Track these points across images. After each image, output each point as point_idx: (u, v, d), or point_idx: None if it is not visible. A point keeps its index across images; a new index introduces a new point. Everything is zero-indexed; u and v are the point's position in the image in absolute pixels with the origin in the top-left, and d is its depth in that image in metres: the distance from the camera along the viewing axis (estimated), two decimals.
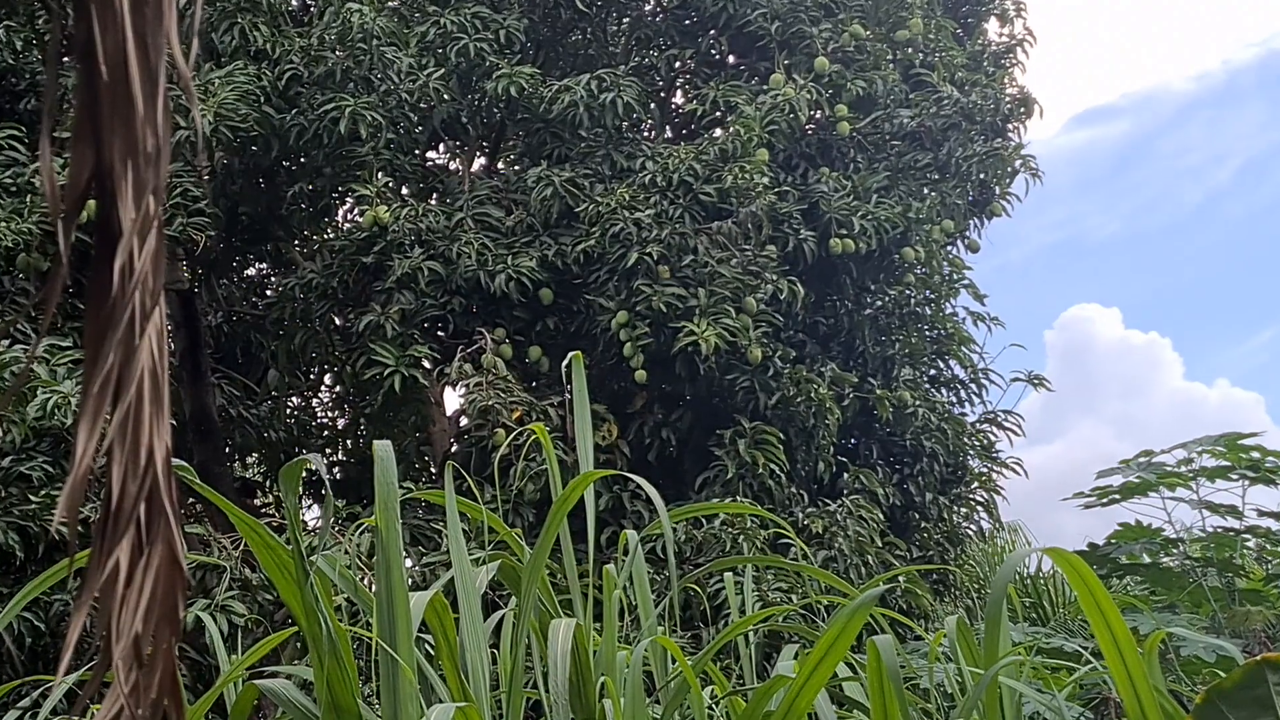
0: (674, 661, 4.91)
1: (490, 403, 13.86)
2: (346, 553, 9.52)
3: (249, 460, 20.33)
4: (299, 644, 9.74)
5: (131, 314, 1.75)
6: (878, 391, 16.59)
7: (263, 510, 17.50)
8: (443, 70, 15.84)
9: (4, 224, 13.51)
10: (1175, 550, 11.97)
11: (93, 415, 1.73)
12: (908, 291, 17.88)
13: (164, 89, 1.85)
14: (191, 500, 16.39)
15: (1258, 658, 2.18)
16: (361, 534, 10.71)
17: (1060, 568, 3.31)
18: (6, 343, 12.28)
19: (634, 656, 4.42)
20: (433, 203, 16.30)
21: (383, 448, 3.78)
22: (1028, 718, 5.85)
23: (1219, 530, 11.80)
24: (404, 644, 3.60)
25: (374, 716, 3.55)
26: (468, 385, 14.25)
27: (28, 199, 13.92)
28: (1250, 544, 12.01)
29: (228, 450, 17.75)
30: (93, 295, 1.74)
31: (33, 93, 15.78)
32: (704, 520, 13.72)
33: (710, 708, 5.47)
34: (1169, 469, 11.80)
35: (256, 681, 3.88)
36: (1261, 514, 11.86)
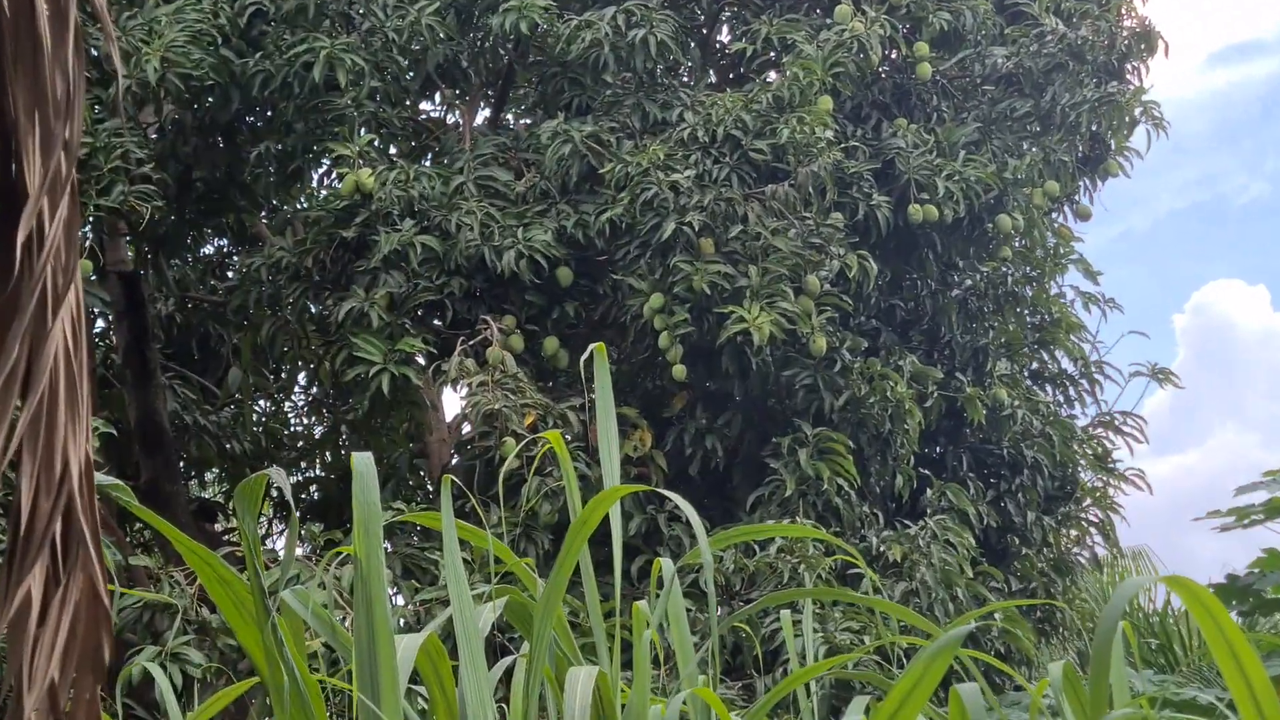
0: (719, 718, 4.91)
1: (497, 406, 13.87)
2: (323, 587, 9.54)
3: (207, 477, 20.42)
4: (268, 698, 9.77)
5: (42, 295, 1.73)
6: (968, 389, 16.56)
7: (225, 537, 17.59)
8: (437, 4, 15.83)
9: None
10: None
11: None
12: (1004, 268, 17.86)
13: (77, 25, 1.85)
14: (140, 526, 16.49)
15: None
16: (341, 565, 10.73)
17: (1182, 600, 3.30)
18: None
19: (670, 712, 4.42)
20: (427, 164, 16.31)
21: (363, 460, 3.78)
22: None
23: None
24: (389, 697, 3.60)
25: None
26: (470, 385, 14.25)
27: None
28: None
29: (182, 465, 17.82)
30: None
31: None
32: (757, 546, 13.72)
33: None
34: None
35: None
36: None
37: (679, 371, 14.56)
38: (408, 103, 16.90)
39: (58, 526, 1.77)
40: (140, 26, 14.57)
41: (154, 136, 15.50)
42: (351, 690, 3.70)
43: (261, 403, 19.86)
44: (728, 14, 18.08)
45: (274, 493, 18.25)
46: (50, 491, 1.77)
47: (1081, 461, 17.87)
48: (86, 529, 1.82)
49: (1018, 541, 17.05)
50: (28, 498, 1.76)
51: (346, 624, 7.21)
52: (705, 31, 18.08)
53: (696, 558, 5.14)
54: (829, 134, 15.32)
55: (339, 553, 8.72)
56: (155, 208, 14.56)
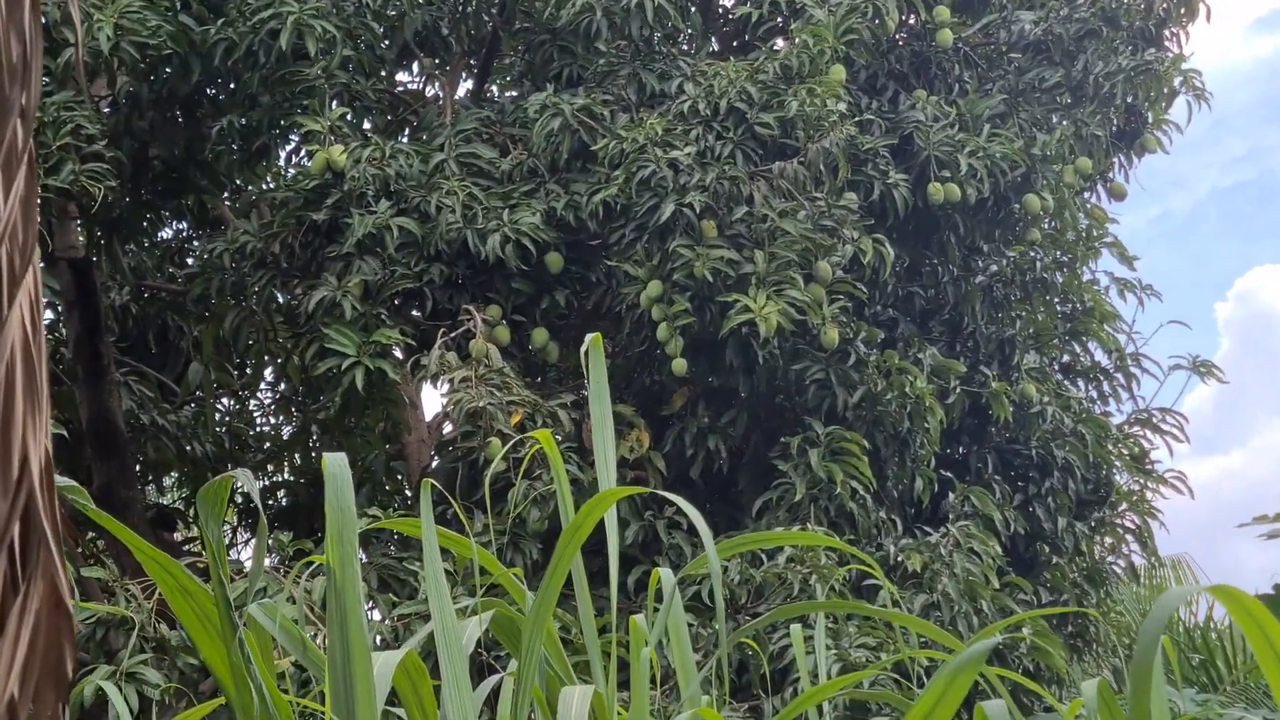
0: None
1: (481, 404, 13.88)
2: (292, 601, 9.54)
3: (166, 482, 20.42)
4: None
5: None
6: (993, 384, 16.58)
7: (186, 547, 17.60)
8: None
9: None
10: None
11: None
12: (1032, 253, 17.86)
13: None
14: (93, 535, 16.50)
15: None
16: (313, 576, 10.74)
17: (1229, 610, 3.30)
18: None
19: None
20: (404, 141, 16.31)
21: (335, 462, 3.78)
22: None
23: None
24: (366, 716, 3.61)
25: None
26: (452, 381, 14.26)
27: None
28: None
29: (139, 468, 17.82)
30: None
31: None
32: (764, 556, 13.73)
33: None
34: None
35: None
36: None
37: (679, 366, 14.55)
38: (383, 73, 16.90)
39: (16, 528, 1.77)
40: None
41: (107, 111, 15.49)
42: (324, 712, 3.70)
43: (225, 401, 19.87)
44: None
45: (239, 498, 18.30)
46: (8, 491, 1.77)
47: (1117, 463, 17.89)
48: (48, 530, 1.82)
49: (1048, 550, 17.07)
50: None
51: (319, 641, 7.23)
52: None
53: (698, 568, 5.14)
54: (842, 107, 15.32)
55: (310, 563, 8.73)
56: (108, 188, 14.53)
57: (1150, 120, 18.07)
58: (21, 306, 1.80)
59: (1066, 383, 18.33)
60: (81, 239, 16.66)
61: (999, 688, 4.34)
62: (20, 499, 1.78)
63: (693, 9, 17.12)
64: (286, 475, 19.30)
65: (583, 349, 5.25)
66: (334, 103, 15.58)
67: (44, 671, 1.82)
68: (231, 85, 15.87)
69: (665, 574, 5.21)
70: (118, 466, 16.24)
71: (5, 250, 1.75)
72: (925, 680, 4.43)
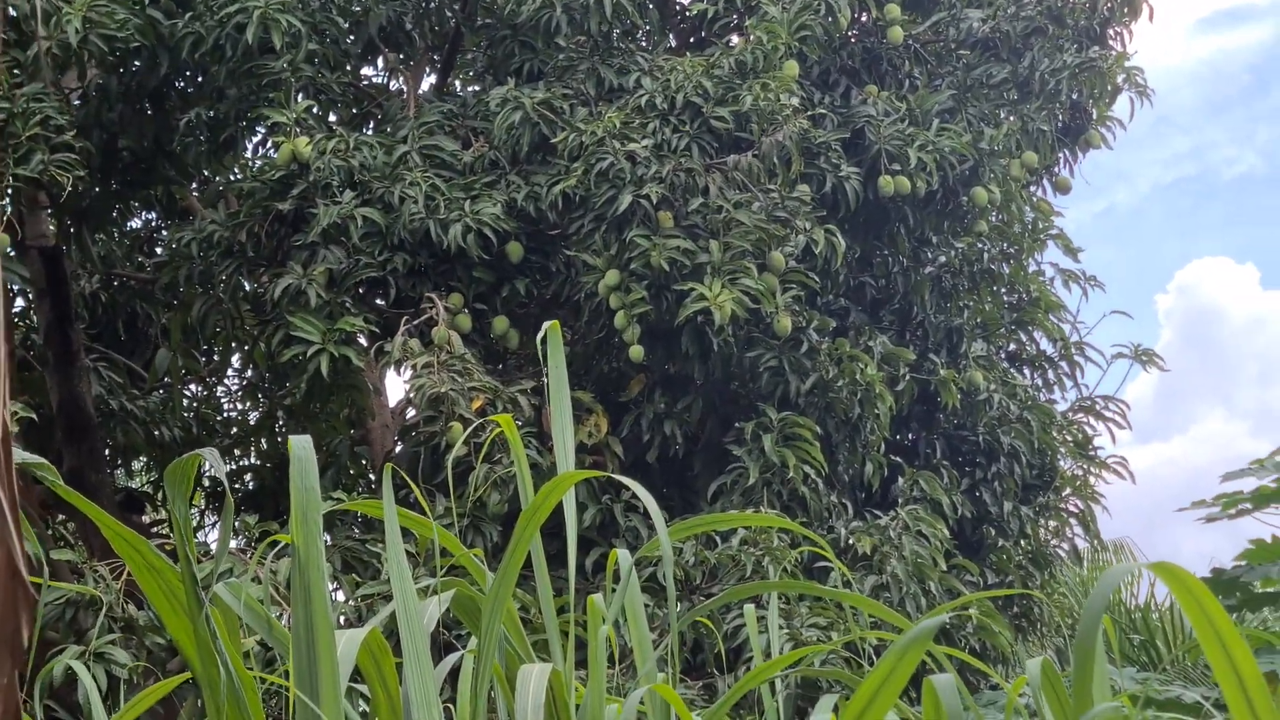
0: (679, 718, 4.91)
1: (444, 389, 13.85)
2: (258, 581, 9.51)
3: (135, 466, 20.35)
4: (200, 698, 9.74)
5: None
6: (942, 372, 16.61)
7: (154, 529, 17.54)
8: None
9: None
10: None
11: None
12: (979, 244, 17.90)
13: None
14: (61, 517, 16.43)
15: None
16: (278, 557, 10.71)
17: (1170, 588, 3.31)
18: None
19: (626, 711, 4.43)
20: (368, 133, 16.26)
21: (300, 444, 3.77)
22: None
23: None
24: (329, 695, 3.60)
25: None
26: (414, 367, 14.22)
27: None
28: None
29: (108, 453, 17.75)
30: None
31: None
32: (718, 538, 13.74)
33: None
34: None
35: None
36: None
37: (636, 353, 14.54)
38: (348, 67, 16.83)
39: None
40: None
41: (76, 102, 15.42)
42: (289, 688, 3.69)
43: (192, 387, 19.80)
44: None
45: (206, 482, 18.25)
46: None
47: (1061, 449, 17.95)
48: (4, 501, 1.80)
49: (994, 533, 17.11)
50: None
51: (284, 620, 7.20)
52: None
53: (655, 549, 5.14)
54: (795, 101, 15.33)
55: (275, 543, 8.69)
56: (78, 178, 14.48)
57: (1094, 116, 18.10)
58: None
59: (1013, 370, 18.38)
60: (52, 228, 16.55)
61: (946, 665, 4.35)
62: None
63: (650, 5, 17.12)
64: (253, 460, 19.23)
65: (539, 336, 5.25)
66: (300, 96, 15.52)
67: (0, 640, 1.80)
68: (199, 78, 15.82)
69: (622, 555, 5.21)
70: (87, 450, 16.17)
71: None
72: (875, 659, 4.44)
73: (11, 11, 14.31)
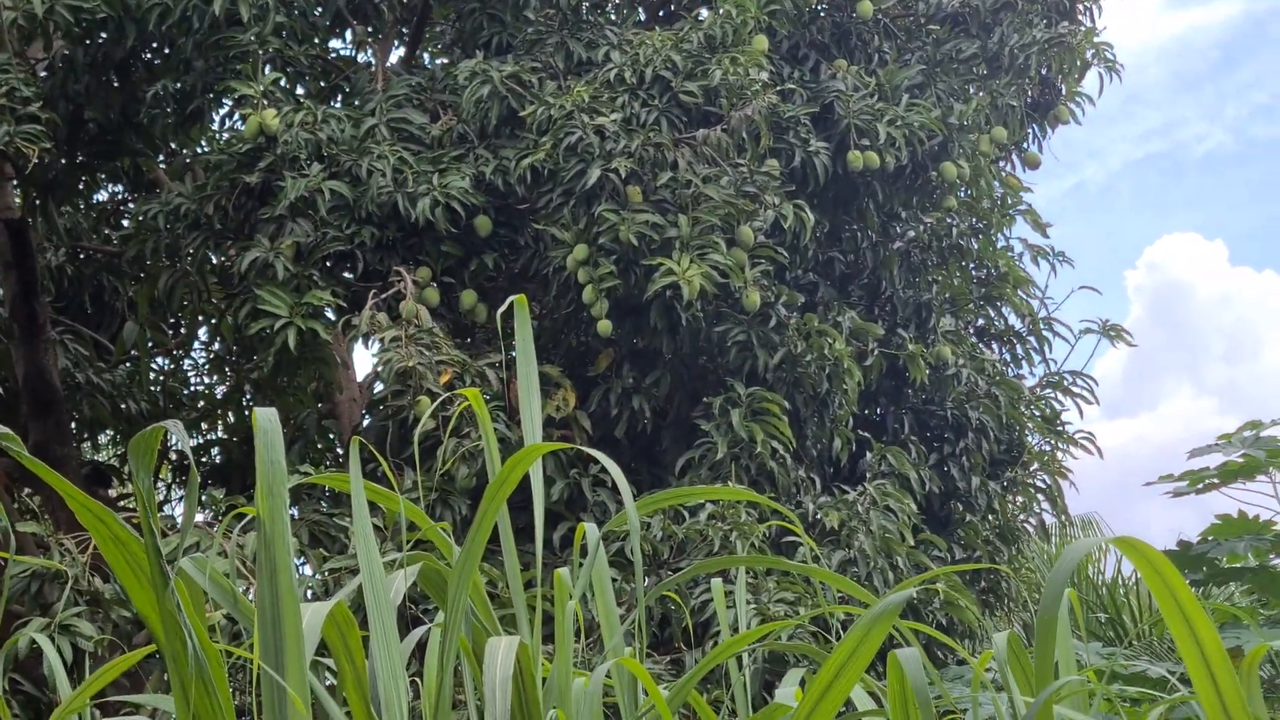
0: (645, 691, 4.92)
1: (411, 363, 13.84)
2: (223, 554, 9.51)
3: (101, 439, 20.31)
4: (163, 674, 9.73)
5: None
6: (910, 347, 16.63)
7: (120, 503, 17.50)
8: None
9: None
10: None
11: None
12: (948, 219, 17.91)
13: None
14: (27, 490, 16.39)
15: None
16: (244, 531, 10.70)
17: (1133, 562, 3.32)
18: None
19: (593, 684, 4.43)
20: (336, 106, 16.23)
21: (266, 416, 3.77)
22: None
23: None
24: (294, 668, 3.60)
25: None
26: (382, 341, 14.21)
27: None
28: None
29: (74, 426, 17.71)
30: None
31: None
32: (686, 512, 13.75)
33: None
34: None
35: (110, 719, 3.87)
36: None
37: (604, 327, 14.54)
38: (316, 40, 16.78)
39: None
40: None
41: (42, 74, 15.36)
42: (254, 662, 3.69)
43: (159, 360, 19.74)
44: None
45: (173, 456, 18.20)
46: None
47: (1029, 424, 17.98)
48: None
49: (961, 508, 17.15)
50: None
51: (249, 594, 7.19)
52: None
53: (622, 523, 5.14)
54: (764, 76, 15.33)
55: (241, 515, 8.67)
56: (44, 150, 14.43)
57: (1064, 92, 18.12)
58: None
59: (981, 346, 18.40)
60: (17, 200, 16.50)
61: (912, 640, 4.36)
62: None
63: None
64: (220, 434, 19.20)
65: (499, 311, 5.24)
66: (267, 68, 15.45)
67: None
68: (166, 50, 15.75)
69: (590, 529, 5.21)
70: (53, 424, 16.12)
71: None
72: (842, 634, 4.45)
73: None
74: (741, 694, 5.98)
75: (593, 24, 16.09)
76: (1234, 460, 11.99)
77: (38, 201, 16.96)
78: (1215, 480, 12.12)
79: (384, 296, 14.45)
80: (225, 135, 17.16)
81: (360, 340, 14.61)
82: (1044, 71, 17.69)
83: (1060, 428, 18.56)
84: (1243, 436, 12.17)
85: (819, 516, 14.56)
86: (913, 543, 14.91)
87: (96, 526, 3.26)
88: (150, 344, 18.57)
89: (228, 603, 4.36)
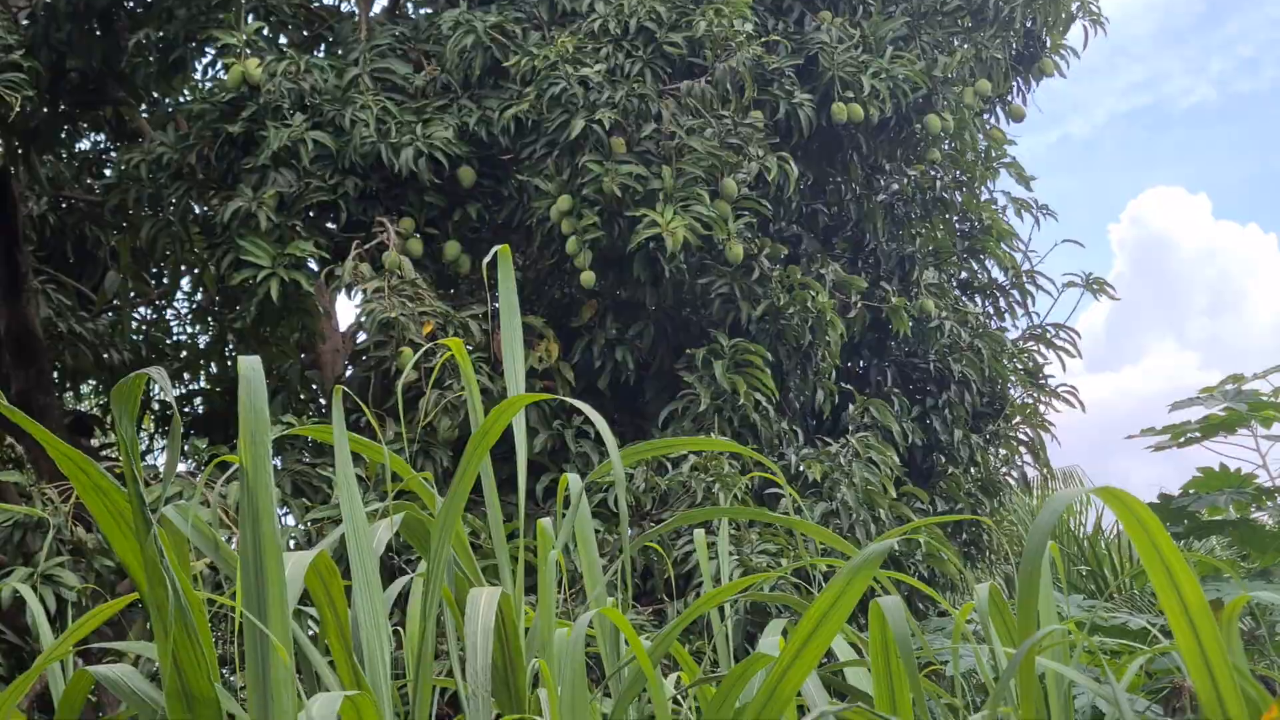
0: (627, 642, 4.93)
1: (394, 314, 13.82)
2: (206, 504, 9.51)
3: (83, 389, 20.29)
4: (146, 622, 9.72)
5: None
6: (893, 300, 16.64)
7: (103, 453, 17.50)
8: None
9: None
10: (1270, 503, 12.07)
11: None
12: (932, 172, 17.90)
13: None
14: (9, 440, 16.38)
15: None
16: (227, 481, 10.70)
17: (1115, 512, 3.33)
18: None
19: (575, 635, 4.44)
20: (319, 55, 16.18)
21: (249, 365, 3.76)
22: (1081, 712, 5.91)
23: None
24: (277, 616, 3.60)
25: (239, 709, 3.55)
26: (365, 291, 14.20)
27: None
28: None
29: (56, 376, 17.69)
30: None
31: None
32: (669, 463, 13.76)
33: (676, 699, 5.50)
34: (1266, 399, 11.88)
35: (91, 668, 3.87)
36: None
37: (588, 278, 14.53)
38: None
39: None
40: None
41: (24, 22, 15.29)
42: (237, 610, 3.69)
43: (141, 309, 19.72)
44: None
45: (155, 405, 18.18)
46: None
47: (1011, 377, 18.00)
48: None
49: (944, 460, 17.17)
50: None
51: (232, 543, 7.20)
52: None
53: (606, 474, 5.15)
54: (748, 27, 15.31)
55: (225, 464, 8.65)
56: (25, 99, 14.39)
57: (1048, 45, 18.11)
58: None
59: (964, 299, 18.41)
60: None
61: (893, 591, 4.37)
62: None
63: None
64: (202, 384, 19.18)
65: (483, 261, 5.24)
66: (250, 17, 15.43)
67: None
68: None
69: (573, 480, 5.22)
70: (35, 374, 16.11)
71: None
72: (824, 585, 4.46)
73: None
74: (724, 644, 6.00)
75: None
76: (1215, 414, 12.01)
77: (19, 150, 16.89)
78: (1197, 434, 12.14)
79: (367, 247, 14.44)
80: (208, 84, 17.10)
81: (343, 291, 14.59)
82: (1029, 24, 17.68)
83: (1042, 381, 18.58)
84: (1224, 390, 12.18)
85: (801, 468, 14.58)
86: (895, 495, 14.93)
87: (78, 475, 3.26)
88: (132, 294, 18.54)
89: (210, 551, 4.36)
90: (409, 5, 17.77)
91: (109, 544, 3.79)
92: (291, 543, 11.87)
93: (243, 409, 3.68)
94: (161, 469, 15.08)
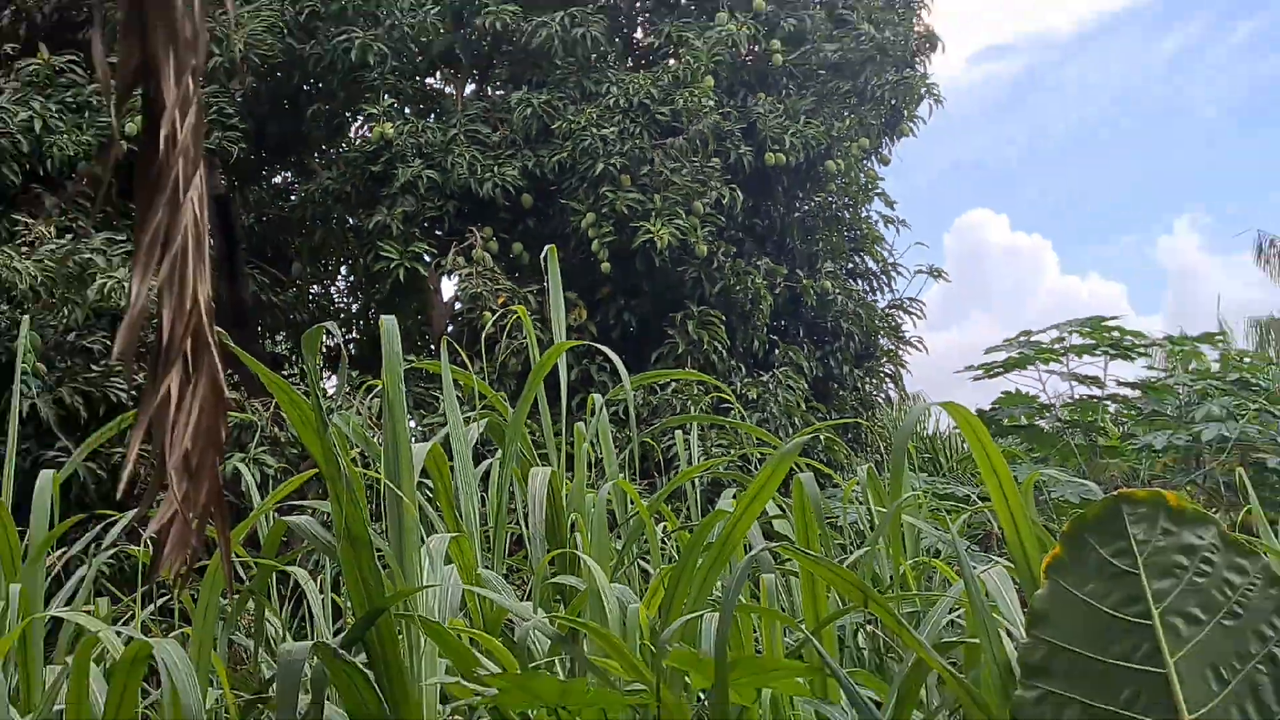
0: (632, 503, 4.94)
1: (479, 290, 13.83)
2: (359, 413, 9.51)
3: (278, 339, 20.25)
4: (321, 489, 9.79)
5: (175, 178, 1.71)
6: (804, 282, 16.60)
7: (289, 380, 17.46)
8: (439, 7, 15.63)
9: (66, 136, 13.32)
10: (1048, 414, 12.10)
11: (144, 265, 1.69)
12: (830, 198, 17.83)
13: None
14: (229, 371, 16.36)
15: (1115, 493, 2.20)
16: (372, 399, 10.70)
17: (954, 418, 3.33)
18: (70, 237, 12.17)
19: (599, 498, 4.46)
20: (430, 121, 16.13)
21: (389, 321, 3.76)
22: (925, 550, 5.93)
23: (1084, 398, 11.93)
24: (407, 484, 3.61)
25: (383, 544, 3.56)
26: (460, 275, 14.19)
27: (85, 114, 13.71)
28: (1110, 409, 12.15)
29: (260, 329, 17.66)
30: (142, 161, 1.70)
31: (89, 24, 15.48)
32: (658, 388, 13.77)
33: (662, 540, 5.52)
34: (1044, 346, 11.90)
35: (285, 518, 3.89)
36: (1120, 384, 12.00)
37: (605, 267, 14.54)
38: (417, 78, 16.64)
39: (188, 342, 1.75)
40: (225, 18, 14.31)
41: (240, 99, 15.26)
42: (379, 477, 3.70)
43: (315, 287, 19.66)
44: (641, 18, 17.90)
45: (325, 348, 18.14)
46: (183, 318, 1.75)
47: (881, 332, 17.95)
48: (210, 343, 1.80)
49: (836, 386, 17.15)
50: (167, 322, 1.73)
51: (376, 438, 7.21)
52: (626, 30, 17.86)
53: (619, 395, 5.15)
54: (710, 103, 15.27)
55: (371, 387, 8.62)
56: (240, 149, 14.39)
57: (905, 115, 18.02)
58: (192, 199, 1.77)
59: (850, 281, 18.34)
60: (223, 182, 16.40)
61: (804, 470, 4.38)
62: (190, 323, 1.75)
63: (616, 39, 16.95)
64: (355, 335, 19.15)
65: (542, 256, 5.24)
66: (385, 96, 15.39)
67: (208, 436, 1.80)
68: (319, 84, 15.67)
69: (597, 398, 5.23)
70: (248, 333, 16.09)
71: (181, 161, 1.73)
72: (760, 466, 4.47)
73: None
74: (694, 505, 6.02)
75: (599, 68, 15.96)
76: (1013, 356, 12.00)
77: (235, 184, 16.85)
78: (1000, 370, 12.13)
79: (461, 246, 14.44)
80: (358, 140, 17.05)
81: (446, 275, 14.62)
82: (894, 103, 17.59)
83: (901, 334, 18.54)
84: (1019, 340, 12.19)
85: (744, 391, 14.59)
86: (805, 409, 14.95)
87: (280, 393, 3.26)
88: (310, 276, 18.49)
89: (363, 444, 4.36)
90: (489, 89, 17.69)
91: (298, 437, 3.80)
92: (412, 439, 11.86)
93: (385, 352, 3.68)
94: (332, 390, 15.09)
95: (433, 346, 17.05)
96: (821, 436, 13.61)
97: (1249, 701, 2.13)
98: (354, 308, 19.79)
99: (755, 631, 4.18)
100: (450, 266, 14.26)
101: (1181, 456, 10.87)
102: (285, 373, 17.97)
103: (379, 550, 3.41)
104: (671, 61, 16.28)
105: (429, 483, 4.32)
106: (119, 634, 3.59)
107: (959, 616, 4.21)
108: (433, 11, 15.50)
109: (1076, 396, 11.92)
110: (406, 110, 16.42)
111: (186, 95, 1.71)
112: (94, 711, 3.45)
